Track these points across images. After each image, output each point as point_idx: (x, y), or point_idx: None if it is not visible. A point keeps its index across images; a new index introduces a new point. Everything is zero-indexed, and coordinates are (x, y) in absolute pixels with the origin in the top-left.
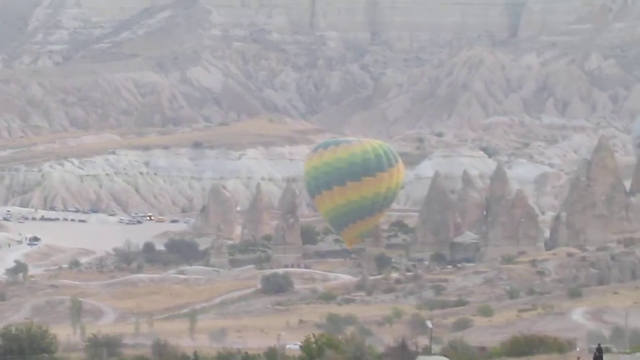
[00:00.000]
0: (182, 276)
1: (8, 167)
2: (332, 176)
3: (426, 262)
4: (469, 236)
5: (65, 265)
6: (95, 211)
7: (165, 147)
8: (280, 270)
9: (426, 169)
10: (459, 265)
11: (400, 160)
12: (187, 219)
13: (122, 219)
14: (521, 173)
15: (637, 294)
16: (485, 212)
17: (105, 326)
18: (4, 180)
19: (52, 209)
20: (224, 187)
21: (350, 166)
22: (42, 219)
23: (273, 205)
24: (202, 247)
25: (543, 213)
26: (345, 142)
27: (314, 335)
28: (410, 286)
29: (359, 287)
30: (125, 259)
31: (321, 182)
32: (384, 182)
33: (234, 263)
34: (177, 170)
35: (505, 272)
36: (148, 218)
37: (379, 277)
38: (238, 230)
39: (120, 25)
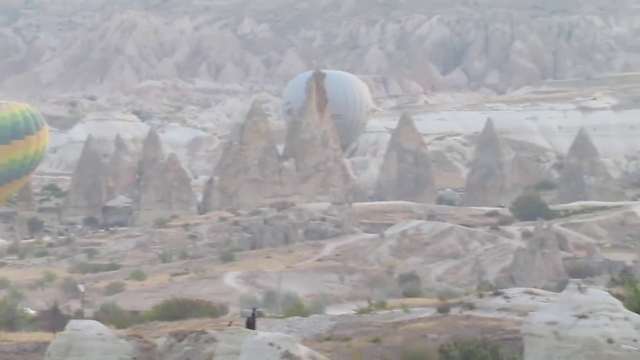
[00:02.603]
0: None
1: None
2: None
3: (79, 226)
4: (121, 200)
5: None
6: None
7: None
8: None
9: (79, 132)
10: (111, 229)
11: (45, 123)
12: None
13: None
14: (174, 137)
15: (290, 258)
16: (138, 176)
17: None
18: None
19: None
20: None
21: (1, 130)
22: None
23: None
24: None
25: (196, 177)
26: None
27: None
28: (62, 250)
29: (11, 250)
30: None
31: None
32: (32, 145)
33: None
34: None
35: (157, 235)
36: None
37: (32, 240)
38: None
39: None
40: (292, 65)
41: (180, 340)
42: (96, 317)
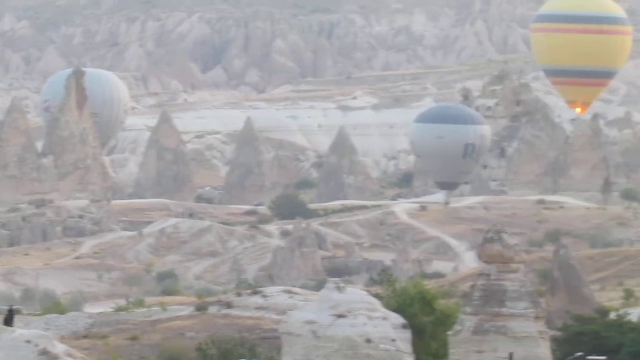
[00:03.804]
0: None
1: None
2: None
3: None
4: None
5: None
6: None
7: None
8: None
9: None
10: None
11: None
12: None
13: None
14: None
15: (48, 256)
16: None
17: None
18: None
19: None
20: None
21: None
22: None
23: None
24: None
25: None
26: None
27: None
28: None
29: None
30: None
31: None
32: None
33: None
34: None
35: None
36: None
37: None
38: None
39: None
40: (52, 62)
41: None
42: None
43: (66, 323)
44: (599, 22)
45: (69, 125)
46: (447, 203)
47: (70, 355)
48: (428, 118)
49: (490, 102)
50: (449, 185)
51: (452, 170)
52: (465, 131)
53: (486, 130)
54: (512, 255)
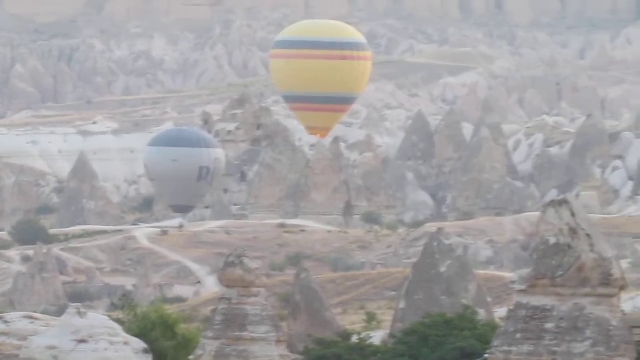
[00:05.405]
0: None
1: None
2: None
3: None
4: None
5: None
6: None
7: None
8: None
9: None
10: None
11: None
12: None
13: None
14: None
15: None
16: None
17: None
18: None
19: None
20: None
21: None
22: None
23: None
24: None
25: None
26: None
27: None
28: None
29: None
30: None
31: None
32: None
33: None
34: None
35: None
36: None
37: None
38: None
39: None
40: None
41: None
42: None
43: None
44: (342, 47)
45: None
46: (181, 226)
47: None
48: (162, 141)
49: (231, 126)
50: (183, 209)
51: (186, 193)
52: (199, 154)
53: (220, 154)
54: (252, 279)
